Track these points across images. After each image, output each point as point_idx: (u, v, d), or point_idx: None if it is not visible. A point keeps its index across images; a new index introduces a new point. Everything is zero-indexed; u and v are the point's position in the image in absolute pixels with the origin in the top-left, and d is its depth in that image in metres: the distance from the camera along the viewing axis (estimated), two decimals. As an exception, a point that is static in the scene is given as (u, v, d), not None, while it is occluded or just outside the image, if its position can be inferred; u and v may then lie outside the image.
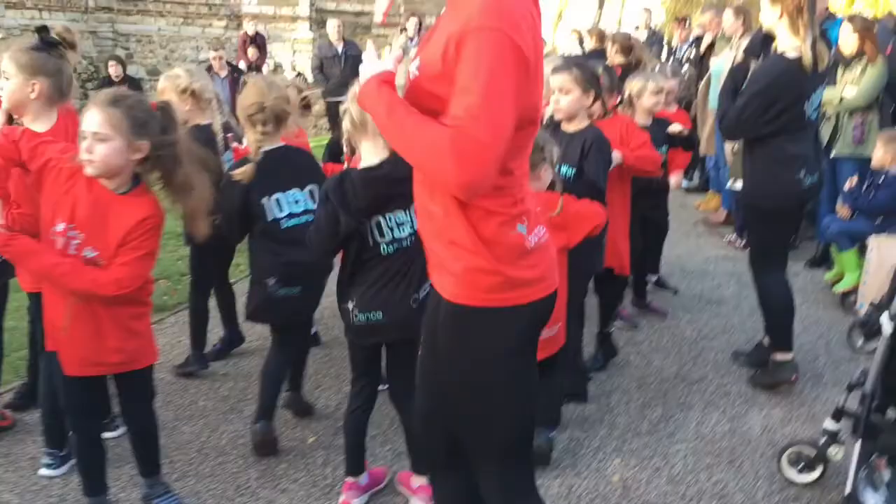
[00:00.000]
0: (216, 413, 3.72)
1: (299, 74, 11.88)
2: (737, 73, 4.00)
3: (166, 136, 2.57)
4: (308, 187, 3.27)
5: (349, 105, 2.64)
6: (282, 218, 3.20)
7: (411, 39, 10.30)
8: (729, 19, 7.07)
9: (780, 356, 3.99)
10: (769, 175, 3.77)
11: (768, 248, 3.97)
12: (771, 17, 3.67)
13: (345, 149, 2.78)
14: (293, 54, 13.80)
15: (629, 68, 5.92)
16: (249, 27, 11.96)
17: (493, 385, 1.82)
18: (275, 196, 3.20)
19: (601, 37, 8.03)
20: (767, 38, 3.83)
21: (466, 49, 1.56)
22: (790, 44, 3.62)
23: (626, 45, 6.42)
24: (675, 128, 4.66)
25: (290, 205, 3.22)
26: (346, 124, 2.67)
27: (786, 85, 3.64)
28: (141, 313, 2.69)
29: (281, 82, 3.68)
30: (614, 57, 6.41)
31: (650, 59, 7.60)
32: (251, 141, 3.20)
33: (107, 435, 3.16)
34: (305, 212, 3.23)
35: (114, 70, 10.40)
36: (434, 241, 1.82)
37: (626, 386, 4.06)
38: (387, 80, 1.76)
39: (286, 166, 3.23)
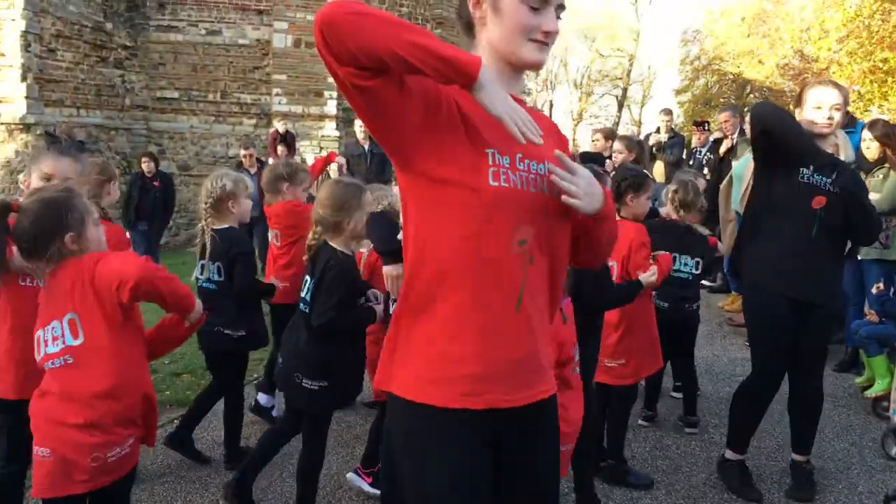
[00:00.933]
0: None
1: (326, 173, 12.13)
2: None
3: None
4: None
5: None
6: None
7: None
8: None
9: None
10: None
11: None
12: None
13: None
14: (320, 151, 14.12)
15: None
16: (280, 126, 12.32)
17: None
18: None
19: (608, 137, 8.03)
20: None
21: None
22: None
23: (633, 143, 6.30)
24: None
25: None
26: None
27: None
28: None
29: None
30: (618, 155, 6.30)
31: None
32: None
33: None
34: None
35: (146, 166, 10.68)
36: (545, 343, 1.82)
37: (654, 493, 3.96)
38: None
39: None
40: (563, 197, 1.71)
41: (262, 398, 4.90)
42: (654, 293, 4.29)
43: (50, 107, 12.55)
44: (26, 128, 11.84)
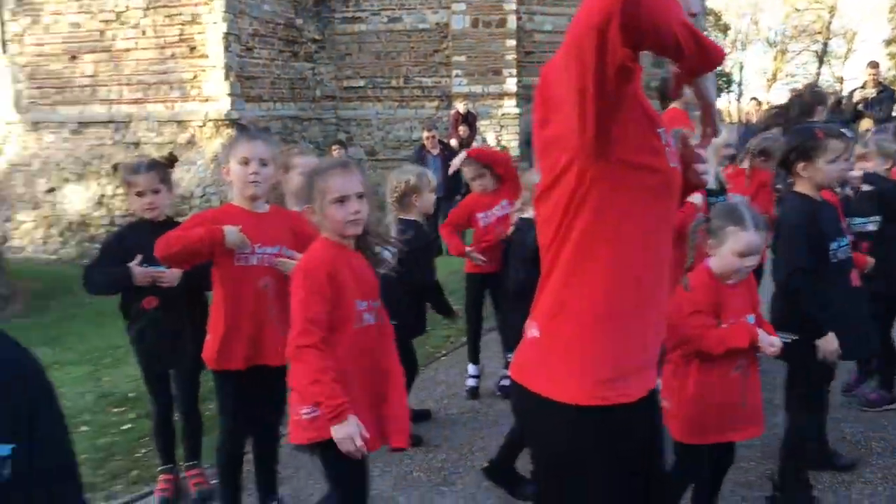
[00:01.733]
0: (429, 485, 3.77)
1: (504, 149, 12.20)
2: None
3: None
4: None
5: None
6: None
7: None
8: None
9: None
10: None
11: None
12: None
13: None
14: (500, 130, 14.21)
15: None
16: (461, 106, 12.49)
17: None
18: None
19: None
20: None
21: None
22: None
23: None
24: None
25: None
26: None
27: None
28: None
29: None
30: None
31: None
32: None
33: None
34: None
35: (337, 153, 11.21)
36: None
37: (867, 477, 3.66)
38: None
39: None
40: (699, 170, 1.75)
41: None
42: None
43: (250, 102, 13.45)
44: (231, 123, 12.76)
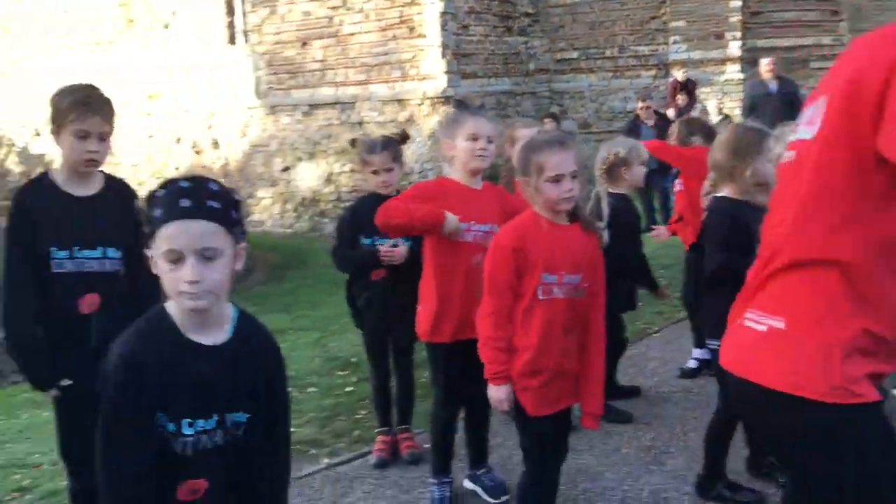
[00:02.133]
0: (638, 462, 3.72)
1: (726, 117, 11.55)
2: None
3: None
4: None
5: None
6: None
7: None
8: None
9: None
10: None
11: None
12: None
13: None
14: (722, 97, 13.47)
15: None
16: (679, 74, 12.00)
17: None
18: None
19: None
20: None
21: None
22: None
23: None
24: None
25: None
26: None
27: None
28: None
29: None
30: None
31: None
32: None
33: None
34: None
35: (549, 126, 11.18)
36: None
37: None
38: None
39: None
40: None
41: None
42: None
43: (465, 79, 13.75)
44: (446, 100, 13.13)
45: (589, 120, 15.03)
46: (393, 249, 3.51)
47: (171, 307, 1.74)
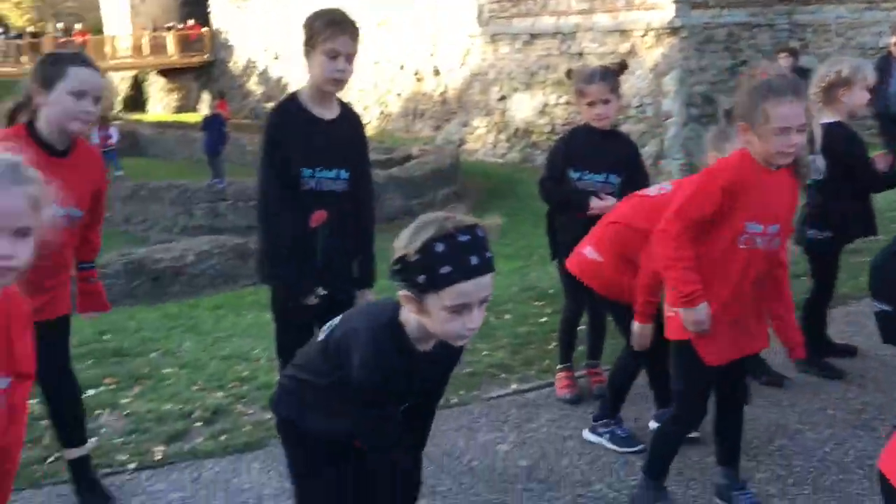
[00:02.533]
0: (844, 425, 3.45)
1: None
2: None
3: None
4: None
5: None
6: None
7: None
8: None
9: None
10: None
11: None
12: None
13: None
14: None
15: None
16: (944, 6, 10.60)
17: None
18: None
19: None
20: None
21: None
22: None
23: None
24: None
25: None
26: None
27: None
28: None
29: None
30: None
31: None
32: None
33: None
34: None
35: (784, 62, 10.31)
36: None
37: None
38: None
39: None
40: None
41: None
42: None
43: (696, 9, 12.98)
44: (673, 31, 12.49)
45: (833, 56, 13.71)
46: (607, 205, 3.42)
47: (405, 318, 1.85)
